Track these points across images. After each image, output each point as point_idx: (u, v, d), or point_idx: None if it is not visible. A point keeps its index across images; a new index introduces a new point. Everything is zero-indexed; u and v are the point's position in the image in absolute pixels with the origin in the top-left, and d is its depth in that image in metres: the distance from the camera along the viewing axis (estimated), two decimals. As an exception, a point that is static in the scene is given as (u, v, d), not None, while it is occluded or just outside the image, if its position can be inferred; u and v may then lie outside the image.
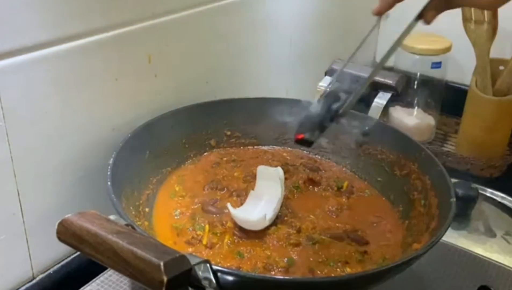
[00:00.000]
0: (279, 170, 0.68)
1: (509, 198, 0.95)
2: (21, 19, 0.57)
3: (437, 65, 1.12)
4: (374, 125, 0.78)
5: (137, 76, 0.72)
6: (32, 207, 0.64)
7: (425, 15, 0.57)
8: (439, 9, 0.57)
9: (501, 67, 1.03)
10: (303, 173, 0.77)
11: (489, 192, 0.96)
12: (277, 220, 0.66)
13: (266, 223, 0.64)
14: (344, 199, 0.73)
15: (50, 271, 0.68)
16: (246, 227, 0.64)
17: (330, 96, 0.62)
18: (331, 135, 0.81)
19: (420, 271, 0.70)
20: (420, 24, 0.61)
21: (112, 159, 0.63)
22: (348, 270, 0.60)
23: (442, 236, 0.57)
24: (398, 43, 0.61)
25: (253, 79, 0.93)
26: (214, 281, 0.45)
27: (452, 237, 0.81)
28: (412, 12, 0.60)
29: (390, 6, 0.58)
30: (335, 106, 0.61)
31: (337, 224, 0.68)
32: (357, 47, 0.63)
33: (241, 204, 0.68)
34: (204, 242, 0.62)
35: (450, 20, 1.02)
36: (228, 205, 0.65)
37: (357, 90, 0.61)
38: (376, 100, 0.79)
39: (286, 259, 0.61)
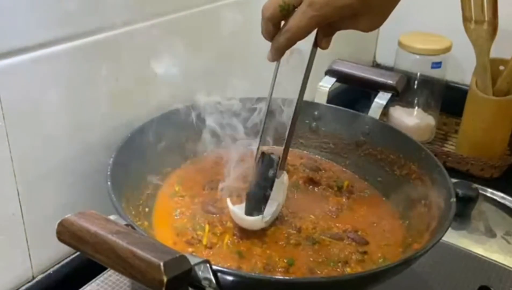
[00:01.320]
0: (284, 175, 0.67)
1: (509, 198, 0.95)
2: (21, 19, 0.57)
3: (437, 65, 1.12)
4: (374, 125, 0.78)
5: (137, 76, 0.72)
6: (32, 207, 0.64)
7: (319, 43, 0.59)
8: (329, 35, 0.59)
9: (501, 67, 1.03)
10: (303, 173, 0.77)
11: (489, 192, 0.96)
12: (277, 221, 0.66)
13: (262, 225, 0.63)
14: (344, 199, 0.73)
15: (50, 271, 0.68)
16: (241, 225, 0.64)
17: (265, 163, 0.64)
18: (331, 135, 0.81)
19: (420, 271, 0.70)
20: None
21: (112, 159, 0.63)
22: (348, 270, 0.60)
23: (442, 236, 0.57)
24: (307, 75, 0.62)
25: (254, 79, 0.93)
26: (214, 281, 0.45)
27: (452, 237, 0.81)
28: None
29: (281, 54, 0.60)
30: (271, 173, 0.64)
31: (337, 224, 0.68)
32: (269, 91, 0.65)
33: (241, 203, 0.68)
34: (204, 242, 0.62)
35: (450, 20, 1.03)
36: (228, 200, 0.65)
37: (285, 148, 0.64)
38: (376, 100, 0.79)
39: (286, 259, 0.61)
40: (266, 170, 0.64)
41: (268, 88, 0.67)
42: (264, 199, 0.64)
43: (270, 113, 0.74)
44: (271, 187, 0.64)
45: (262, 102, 0.78)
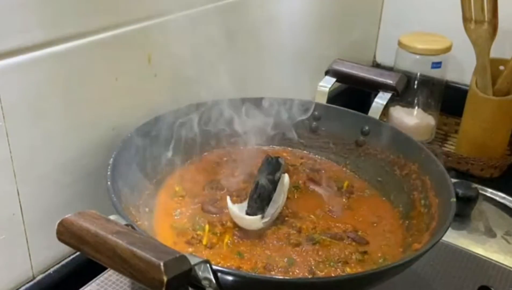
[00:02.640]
0: (285, 176, 0.68)
1: (509, 198, 0.94)
2: (20, 19, 0.57)
3: (437, 65, 1.12)
4: (374, 125, 0.78)
5: (137, 76, 0.72)
6: (32, 207, 0.64)
7: None
8: None
9: (501, 67, 1.03)
10: (303, 173, 0.77)
11: (489, 192, 0.96)
12: (277, 220, 0.66)
13: (260, 226, 0.64)
14: (344, 199, 0.73)
15: (50, 271, 0.68)
16: (239, 223, 0.64)
17: (271, 166, 0.65)
18: (331, 135, 0.81)
19: (420, 271, 0.70)
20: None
21: (112, 159, 0.63)
22: (348, 270, 0.60)
23: (442, 236, 0.57)
24: None
25: (253, 79, 0.93)
26: (214, 281, 0.45)
27: (452, 237, 0.81)
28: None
29: None
30: (277, 176, 0.65)
31: (337, 224, 0.68)
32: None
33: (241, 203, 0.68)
34: (204, 242, 0.62)
35: (450, 20, 1.03)
36: (228, 198, 0.65)
37: None
38: (376, 100, 0.79)
39: (286, 259, 0.61)
40: (272, 173, 0.65)
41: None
42: (268, 201, 0.64)
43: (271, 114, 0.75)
44: (274, 189, 0.64)
45: (264, 101, 0.79)
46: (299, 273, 0.59)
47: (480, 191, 0.90)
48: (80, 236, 0.46)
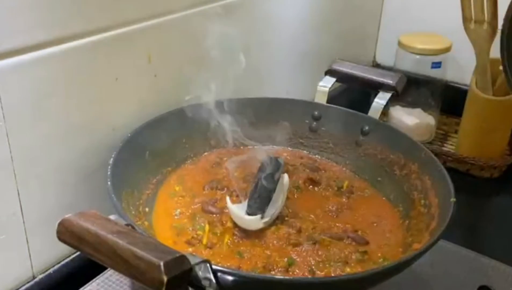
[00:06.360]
0: (285, 176, 0.68)
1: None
2: (21, 19, 0.57)
3: (437, 65, 1.12)
4: (374, 125, 0.78)
5: (137, 76, 0.72)
6: (32, 207, 0.64)
7: None
8: None
9: (501, 67, 1.03)
10: (303, 173, 0.77)
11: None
12: (277, 220, 0.66)
13: (260, 225, 0.64)
14: (344, 199, 0.73)
15: (50, 271, 0.68)
16: (239, 224, 0.64)
17: (271, 166, 0.65)
18: (331, 135, 0.81)
19: (420, 271, 0.70)
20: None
21: (112, 159, 0.63)
22: (348, 270, 0.60)
23: (442, 236, 0.57)
24: None
25: (253, 79, 0.93)
26: (214, 281, 0.45)
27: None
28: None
29: None
30: (276, 176, 0.65)
31: (337, 224, 0.68)
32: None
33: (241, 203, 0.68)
34: (204, 242, 0.62)
35: (450, 20, 1.03)
36: (227, 198, 0.65)
37: None
38: (376, 100, 0.79)
39: (286, 259, 0.61)
40: (272, 173, 0.65)
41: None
42: (268, 201, 0.64)
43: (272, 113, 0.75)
44: (274, 189, 0.64)
45: (264, 101, 0.79)
46: (299, 273, 0.59)
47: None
48: (80, 236, 0.46)
